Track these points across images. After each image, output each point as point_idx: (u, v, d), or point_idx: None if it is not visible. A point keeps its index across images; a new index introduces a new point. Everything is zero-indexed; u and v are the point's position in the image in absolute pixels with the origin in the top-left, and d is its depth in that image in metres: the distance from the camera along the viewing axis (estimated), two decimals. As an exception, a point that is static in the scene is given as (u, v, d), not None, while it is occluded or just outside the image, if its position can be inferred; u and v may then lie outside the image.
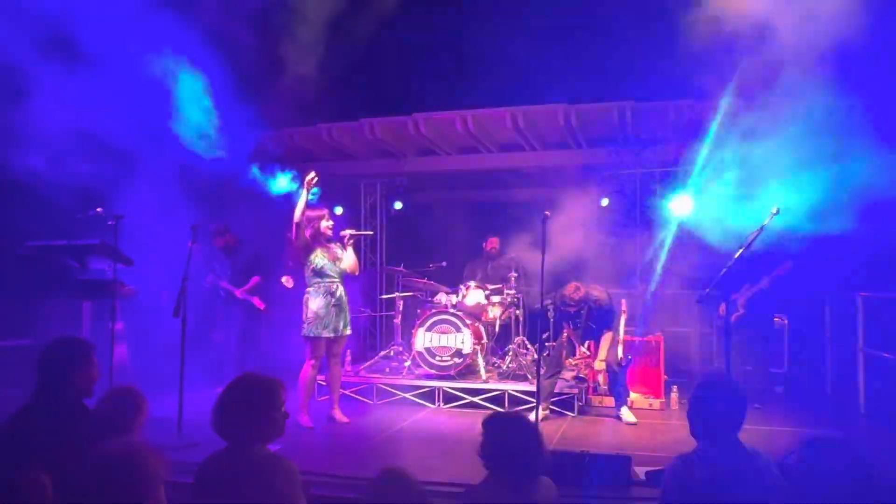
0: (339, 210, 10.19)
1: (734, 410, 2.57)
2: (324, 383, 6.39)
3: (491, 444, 2.54)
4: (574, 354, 6.28)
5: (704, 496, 2.40)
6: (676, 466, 2.56)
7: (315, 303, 5.65)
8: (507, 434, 2.54)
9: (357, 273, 5.99)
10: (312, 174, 5.58)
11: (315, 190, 6.58)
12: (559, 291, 6.19)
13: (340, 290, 5.78)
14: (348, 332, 5.83)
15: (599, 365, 6.11)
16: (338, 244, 5.92)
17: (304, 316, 5.70)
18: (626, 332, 6.71)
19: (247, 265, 7.29)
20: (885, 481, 1.94)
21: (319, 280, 5.71)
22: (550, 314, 6.33)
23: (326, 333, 5.64)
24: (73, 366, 2.76)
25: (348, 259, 5.87)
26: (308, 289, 5.74)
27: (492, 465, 2.53)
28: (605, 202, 8.97)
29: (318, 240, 5.77)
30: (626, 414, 6.06)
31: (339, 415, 5.86)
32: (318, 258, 5.73)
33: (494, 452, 2.52)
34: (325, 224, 5.81)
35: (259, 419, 2.47)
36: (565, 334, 6.46)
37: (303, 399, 5.65)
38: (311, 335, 5.61)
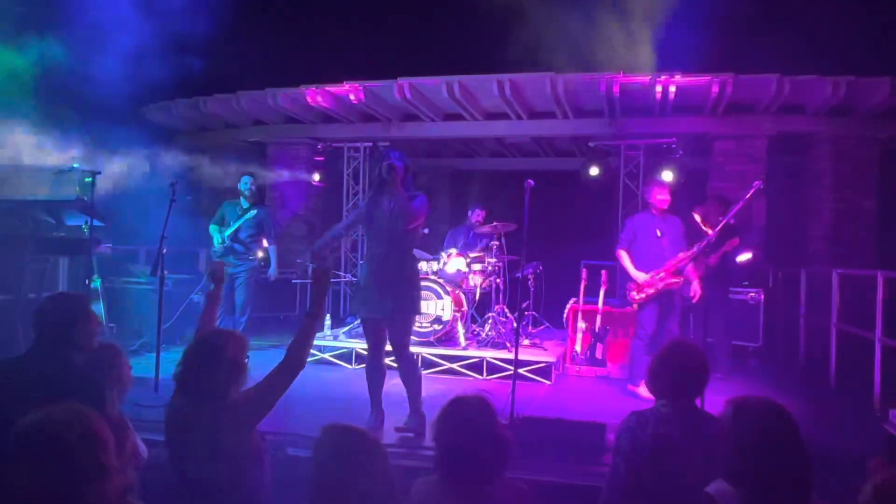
0: (316, 176, 10.08)
1: (699, 375, 2.72)
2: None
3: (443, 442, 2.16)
4: None
5: (651, 447, 2.55)
6: (630, 421, 2.70)
7: (361, 273, 4.52)
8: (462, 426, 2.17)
9: (413, 219, 4.33)
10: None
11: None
12: None
13: (391, 259, 4.33)
14: (402, 314, 4.39)
15: None
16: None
17: None
18: (605, 304, 6.78)
19: (259, 225, 7.04)
20: (809, 447, 2.01)
21: (368, 247, 4.52)
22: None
23: (367, 314, 4.41)
24: (75, 321, 2.72)
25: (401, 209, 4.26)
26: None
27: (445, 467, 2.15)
28: (594, 172, 8.94)
29: (379, 189, 4.42)
30: None
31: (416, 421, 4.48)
32: (371, 214, 4.40)
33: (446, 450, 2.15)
34: (386, 165, 4.33)
35: (226, 372, 2.46)
36: None
37: (369, 393, 4.49)
38: (353, 315, 4.75)
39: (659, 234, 5.77)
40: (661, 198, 5.79)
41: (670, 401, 2.69)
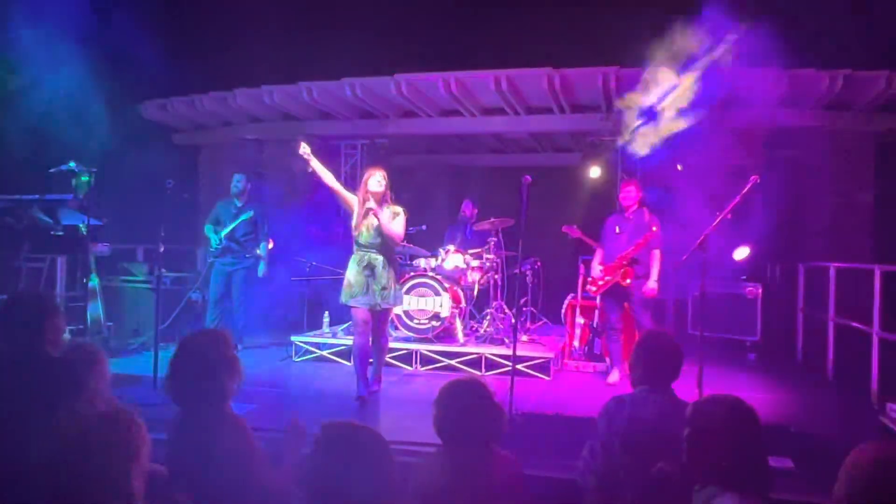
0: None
1: (671, 361, 2.85)
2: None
3: (444, 415, 2.39)
4: None
5: (625, 429, 2.68)
6: (609, 406, 2.84)
7: (348, 271, 5.34)
8: (460, 401, 2.40)
9: (396, 239, 5.35)
10: (304, 147, 5.10)
11: None
12: None
13: (377, 262, 5.26)
14: (385, 305, 5.32)
15: None
16: (389, 207, 5.30)
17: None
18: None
19: (254, 223, 7.01)
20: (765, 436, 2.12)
21: (356, 248, 5.35)
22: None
23: (355, 304, 5.27)
24: (44, 318, 2.72)
25: (382, 224, 5.21)
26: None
27: (446, 436, 2.40)
28: (595, 174, 8.90)
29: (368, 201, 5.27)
30: None
31: (375, 385, 5.55)
32: (357, 224, 5.30)
33: (448, 422, 2.38)
34: (370, 183, 5.25)
35: (217, 376, 2.43)
36: None
37: (356, 369, 5.35)
38: (342, 303, 5.39)
39: (617, 230, 6.06)
40: (623, 195, 6.12)
41: (647, 387, 2.82)
